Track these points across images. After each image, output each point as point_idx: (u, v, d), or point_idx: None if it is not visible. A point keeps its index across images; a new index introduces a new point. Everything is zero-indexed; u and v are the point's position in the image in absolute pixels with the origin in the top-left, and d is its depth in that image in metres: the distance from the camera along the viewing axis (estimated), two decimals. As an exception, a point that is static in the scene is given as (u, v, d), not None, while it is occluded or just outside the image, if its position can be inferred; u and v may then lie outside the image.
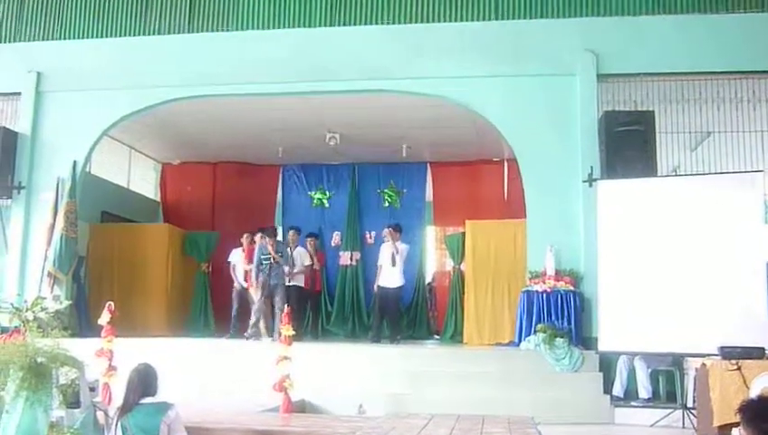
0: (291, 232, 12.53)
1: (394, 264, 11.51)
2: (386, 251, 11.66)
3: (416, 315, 13.71)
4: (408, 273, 13.73)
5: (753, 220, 8.03)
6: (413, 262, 13.98)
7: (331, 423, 6.74)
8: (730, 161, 10.15)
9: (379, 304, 11.72)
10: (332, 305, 14.11)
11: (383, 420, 6.72)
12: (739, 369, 6.15)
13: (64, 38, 11.92)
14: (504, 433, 5.80)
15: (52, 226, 10.90)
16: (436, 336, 13.27)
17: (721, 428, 6.03)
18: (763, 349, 6.65)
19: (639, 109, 10.10)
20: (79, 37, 11.91)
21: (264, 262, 11.24)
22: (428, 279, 14.46)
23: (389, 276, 11.57)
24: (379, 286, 11.70)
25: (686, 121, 10.39)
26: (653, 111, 9.97)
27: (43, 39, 11.98)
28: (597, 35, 10.34)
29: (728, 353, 6.38)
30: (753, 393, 5.60)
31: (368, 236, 14.17)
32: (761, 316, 7.63)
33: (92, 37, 11.87)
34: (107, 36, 11.85)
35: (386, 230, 11.89)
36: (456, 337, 12.09)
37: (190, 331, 12.82)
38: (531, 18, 10.87)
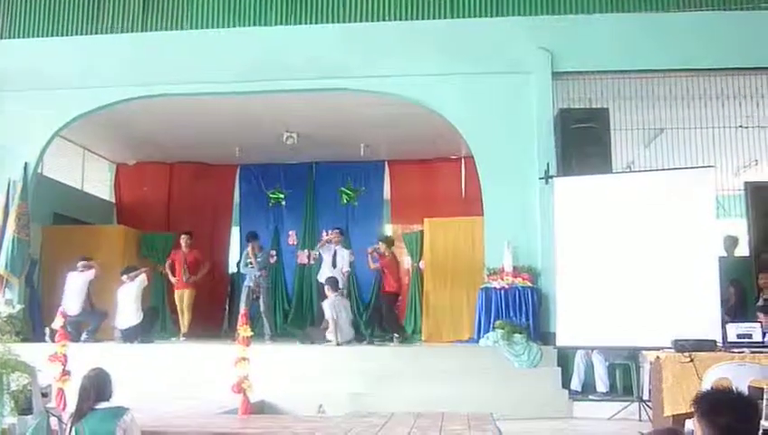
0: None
1: (335, 265, 11.62)
2: (328, 252, 11.84)
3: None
4: (367, 272, 13.80)
5: (705, 215, 8.17)
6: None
7: (290, 424, 6.72)
8: (682, 157, 10.32)
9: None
10: (290, 305, 14.08)
11: (343, 419, 6.71)
12: (692, 361, 6.24)
13: (14, 37, 11.70)
14: (464, 430, 5.83)
15: (2, 228, 10.67)
16: (396, 335, 13.26)
17: (675, 419, 6.12)
18: (714, 341, 6.76)
19: (594, 106, 10.23)
20: (29, 36, 11.70)
21: (250, 271, 11.58)
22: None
23: (324, 273, 11.67)
24: (319, 282, 11.83)
25: (640, 118, 10.55)
26: (607, 109, 10.11)
27: (-9, 38, 11.74)
28: (551, 34, 10.42)
29: (681, 346, 6.47)
30: (706, 384, 5.69)
31: (325, 235, 14.14)
32: (713, 309, 7.78)
33: (43, 36, 11.67)
34: (58, 35, 11.66)
35: (333, 233, 12.10)
36: (416, 335, 12.11)
37: (147, 333, 12.62)
38: (486, 17, 10.95)
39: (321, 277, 11.70)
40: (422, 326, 11.64)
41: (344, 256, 11.78)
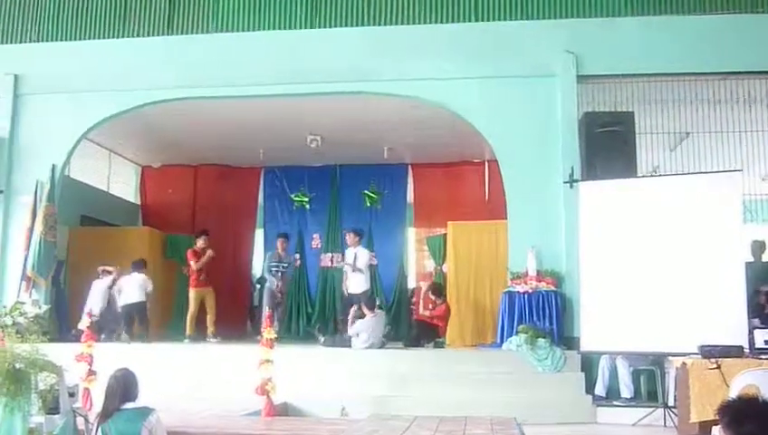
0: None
1: (354, 269, 11.50)
2: (348, 256, 11.76)
3: (398, 316, 13.72)
4: (389, 274, 13.79)
5: (731, 219, 8.10)
6: (394, 264, 14.03)
7: (313, 426, 6.74)
8: (708, 161, 10.22)
9: (345, 309, 11.83)
10: (313, 308, 14.13)
11: (366, 422, 6.71)
12: (719, 367, 6.19)
13: (42, 40, 11.82)
14: (487, 434, 5.81)
15: (31, 229, 10.78)
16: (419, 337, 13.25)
17: (702, 426, 6.07)
18: (741, 347, 6.70)
19: (619, 110, 10.17)
20: (57, 39, 11.82)
21: (273, 269, 11.73)
22: (411, 283, 14.41)
23: (352, 282, 11.56)
24: (348, 293, 11.71)
25: (665, 122, 10.47)
26: (632, 112, 10.04)
27: (20, 41, 11.87)
28: (577, 37, 10.36)
29: (708, 352, 6.42)
30: (733, 392, 5.64)
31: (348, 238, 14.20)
32: (740, 315, 7.69)
33: (71, 39, 11.78)
34: (86, 38, 11.76)
35: (349, 235, 11.99)
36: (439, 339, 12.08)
37: (172, 334, 12.72)
38: (510, 19, 10.92)
39: (351, 286, 11.59)
40: (446, 330, 11.60)
41: (361, 256, 11.64)
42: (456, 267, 11.69)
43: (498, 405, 7.76)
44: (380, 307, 10.95)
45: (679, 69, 10.12)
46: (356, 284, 11.51)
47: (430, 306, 11.56)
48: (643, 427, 8.11)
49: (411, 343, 10.95)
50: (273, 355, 7.39)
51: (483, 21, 10.95)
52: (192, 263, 12.01)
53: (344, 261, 11.86)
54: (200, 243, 12.13)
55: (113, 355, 7.65)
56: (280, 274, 11.88)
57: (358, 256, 11.57)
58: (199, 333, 11.79)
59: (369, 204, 14.51)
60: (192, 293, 11.99)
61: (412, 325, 11.89)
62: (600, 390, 8.81)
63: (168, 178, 15.16)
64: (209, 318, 11.88)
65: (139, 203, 15.32)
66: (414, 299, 13.81)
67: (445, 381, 8.79)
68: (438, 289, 11.60)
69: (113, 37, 11.69)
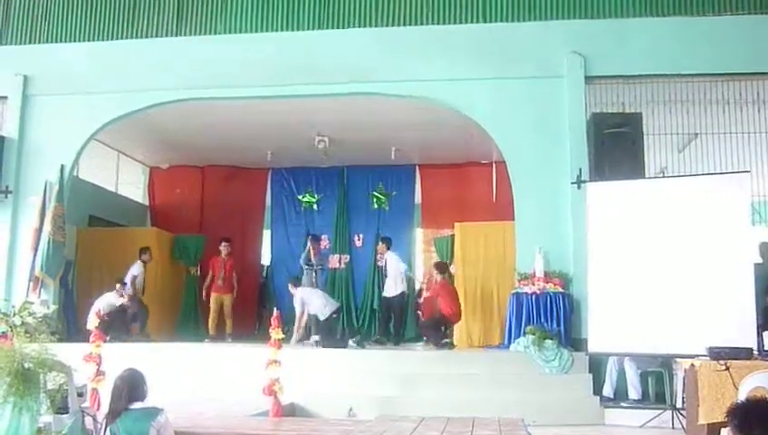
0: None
1: (386, 274, 11.72)
2: (381, 262, 11.89)
3: (405, 318, 13.69)
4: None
5: (740, 221, 8.05)
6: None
7: (320, 427, 6.75)
8: (717, 163, 10.20)
9: (383, 313, 12.20)
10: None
11: (373, 423, 6.70)
12: (728, 369, 6.16)
13: (52, 41, 11.86)
14: (494, 435, 5.81)
15: (39, 229, 10.81)
16: (426, 338, 13.25)
17: (710, 428, 6.05)
18: (751, 349, 6.67)
19: (627, 111, 10.15)
20: (66, 40, 11.85)
21: (308, 270, 11.95)
22: (418, 284, 14.40)
23: (387, 286, 11.79)
24: (384, 297, 12.01)
25: (674, 123, 10.43)
26: (641, 113, 10.01)
27: (29, 42, 11.91)
28: (584, 37, 10.36)
29: (716, 354, 6.39)
30: (742, 394, 5.62)
31: (356, 238, 14.22)
32: (749, 317, 7.66)
33: (80, 40, 11.81)
34: (95, 40, 11.79)
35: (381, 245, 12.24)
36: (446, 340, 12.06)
37: (180, 335, 12.77)
38: (518, 21, 10.90)
39: (385, 290, 11.89)
40: (453, 331, 11.60)
41: (392, 261, 11.83)
42: (464, 268, 11.69)
43: (505, 406, 7.77)
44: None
45: (687, 70, 10.11)
46: (388, 288, 11.76)
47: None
48: (651, 429, 8.08)
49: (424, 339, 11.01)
50: (281, 356, 7.40)
51: (491, 22, 10.93)
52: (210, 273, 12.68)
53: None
54: (223, 250, 12.57)
55: (122, 356, 7.67)
56: (314, 272, 12.18)
57: (387, 262, 11.82)
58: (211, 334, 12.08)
59: (376, 205, 14.51)
60: (212, 297, 12.53)
61: (418, 326, 11.92)
62: (607, 391, 8.80)
63: (176, 179, 15.19)
64: (227, 322, 12.47)
65: (147, 204, 15.36)
66: (419, 300, 13.80)
67: (452, 382, 8.79)
68: (442, 266, 11.65)
69: (122, 38, 11.71)
